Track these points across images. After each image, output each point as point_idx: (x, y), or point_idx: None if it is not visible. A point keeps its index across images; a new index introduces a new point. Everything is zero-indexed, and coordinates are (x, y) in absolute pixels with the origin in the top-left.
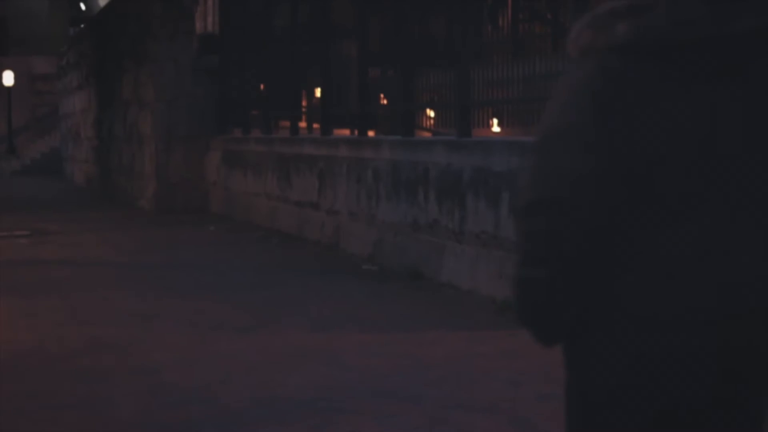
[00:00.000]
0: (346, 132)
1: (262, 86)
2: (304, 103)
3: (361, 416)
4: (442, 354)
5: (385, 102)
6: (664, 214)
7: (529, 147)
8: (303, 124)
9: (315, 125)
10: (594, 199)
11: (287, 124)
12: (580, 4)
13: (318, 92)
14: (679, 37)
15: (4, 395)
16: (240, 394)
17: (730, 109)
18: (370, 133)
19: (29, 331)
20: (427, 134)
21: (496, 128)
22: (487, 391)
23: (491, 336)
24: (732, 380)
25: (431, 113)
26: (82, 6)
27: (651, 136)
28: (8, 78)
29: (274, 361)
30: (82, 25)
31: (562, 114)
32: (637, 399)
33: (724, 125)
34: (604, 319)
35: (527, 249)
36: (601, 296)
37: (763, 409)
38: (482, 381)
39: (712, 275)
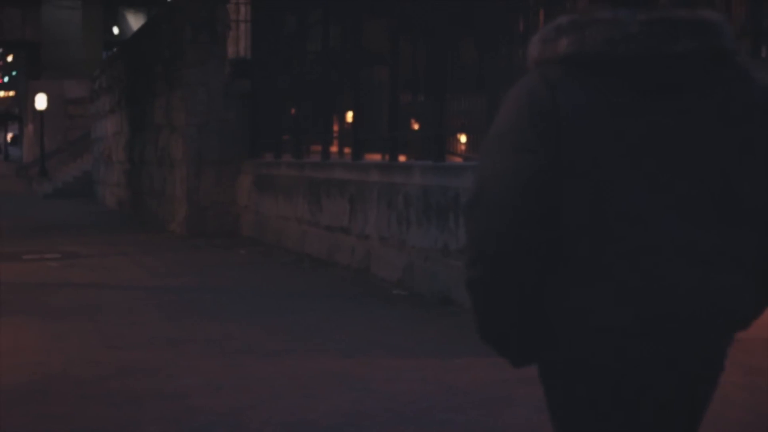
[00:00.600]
0: (377, 157)
1: (293, 111)
2: (335, 128)
3: None
4: (471, 380)
5: (416, 127)
6: (604, 222)
7: None
8: (334, 149)
9: (346, 150)
10: (521, 197)
11: (318, 148)
12: None
13: (349, 116)
14: (614, 53)
15: (33, 418)
16: (268, 419)
17: (668, 124)
18: (401, 158)
19: (59, 353)
20: (458, 159)
21: None
22: (514, 418)
23: None
24: (685, 383)
25: (463, 138)
26: (115, 30)
27: (584, 141)
28: (41, 101)
29: (303, 387)
30: (115, 49)
31: (504, 120)
32: (604, 404)
33: (660, 138)
34: (563, 332)
35: (467, 249)
36: (556, 310)
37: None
38: (509, 407)
39: (654, 283)
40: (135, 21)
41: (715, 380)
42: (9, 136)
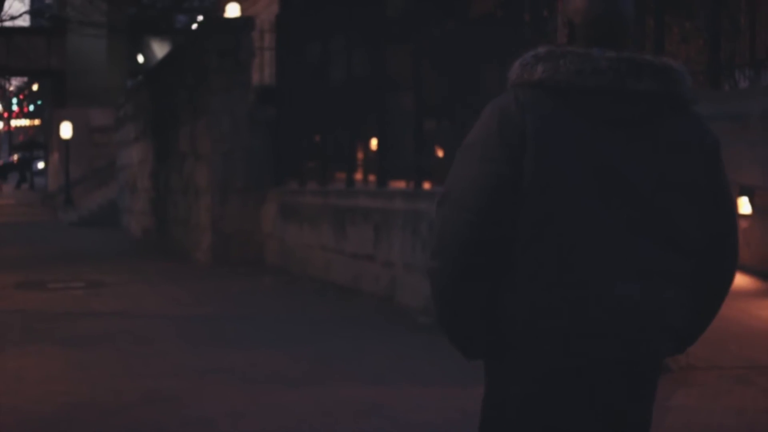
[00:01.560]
0: (402, 184)
1: (317, 138)
2: (359, 155)
3: None
4: None
5: (441, 153)
6: (555, 230)
7: None
8: (359, 176)
9: (371, 177)
10: (481, 201)
11: (343, 175)
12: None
13: (374, 143)
14: (583, 83)
15: None
16: None
17: (622, 153)
18: (426, 185)
19: (83, 383)
20: None
21: None
22: None
23: None
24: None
25: None
26: (140, 58)
27: (545, 158)
28: (66, 130)
29: (327, 415)
30: (140, 77)
31: (476, 130)
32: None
33: (614, 164)
34: (512, 335)
35: (432, 241)
36: (501, 312)
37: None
38: None
39: (593, 293)
40: (160, 49)
41: (650, 385)
42: (40, 164)
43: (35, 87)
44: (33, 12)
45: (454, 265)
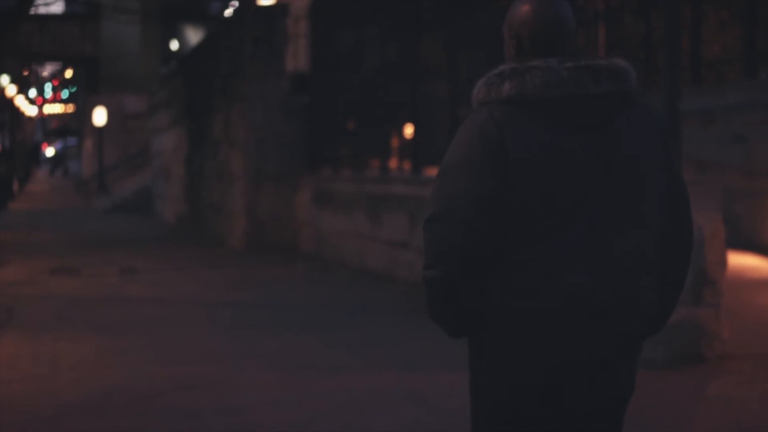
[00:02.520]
0: (437, 171)
1: (351, 125)
2: (394, 142)
3: None
4: None
5: None
6: (540, 231)
7: None
8: (393, 163)
9: (405, 164)
10: (474, 214)
11: (377, 162)
12: (673, 42)
13: (407, 131)
14: (550, 95)
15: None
16: None
17: (594, 152)
18: None
19: (118, 368)
20: None
21: None
22: None
23: None
24: (606, 360)
25: None
26: (174, 45)
27: (527, 169)
28: (100, 116)
29: (362, 402)
30: (174, 64)
31: (458, 149)
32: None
33: (588, 165)
34: (496, 318)
35: (426, 255)
36: (492, 299)
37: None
38: None
39: (576, 274)
40: (194, 36)
41: (628, 369)
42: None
43: (69, 73)
44: None
45: (452, 275)
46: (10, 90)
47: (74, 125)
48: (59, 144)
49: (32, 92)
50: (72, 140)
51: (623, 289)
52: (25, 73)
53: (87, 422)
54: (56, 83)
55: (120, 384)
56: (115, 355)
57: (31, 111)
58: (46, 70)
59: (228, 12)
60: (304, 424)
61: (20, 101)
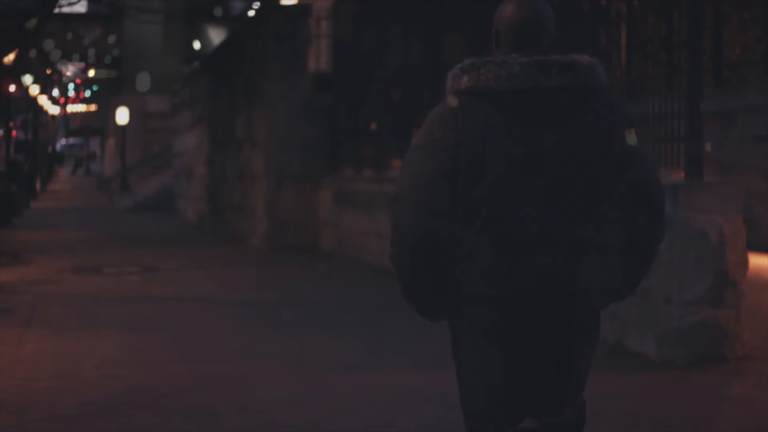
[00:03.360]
0: None
1: (373, 125)
2: None
3: None
4: None
5: None
6: (482, 215)
7: None
8: None
9: None
10: (431, 194)
11: (399, 163)
12: (695, 43)
13: None
14: (500, 87)
15: (115, 429)
16: None
17: (543, 140)
18: None
19: (140, 367)
20: None
21: None
22: None
23: (600, 378)
24: (554, 330)
25: None
26: (196, 45)
27: (477, 150)
28: (123, 115)
29: (383, 400)
30: (196, 64)
31: (420, 135)
32: (480, 365)
33: (537, 151)
34: (453, 298)
35: (392, 233)
36: (451, 282)
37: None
38: (591, 423)
39: (513, 260)
40: (216, 36)
41: (586, 338)
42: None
43: (92, 73)
44: None
45: (411, 251)
46: (33, 89)
47: (97, 124)
48: (69, 141)
49: (55, 92)
50: (79, 140)
51: (552, 275)
52: (48, 72)
53: (109, 420)
54: (79, 82)
55: (142, 382)
56: (137, 353)
57: (53, 110)
58: (69, 70)
59: (251, 12)
60: (325, 423)
61: (43, 100)
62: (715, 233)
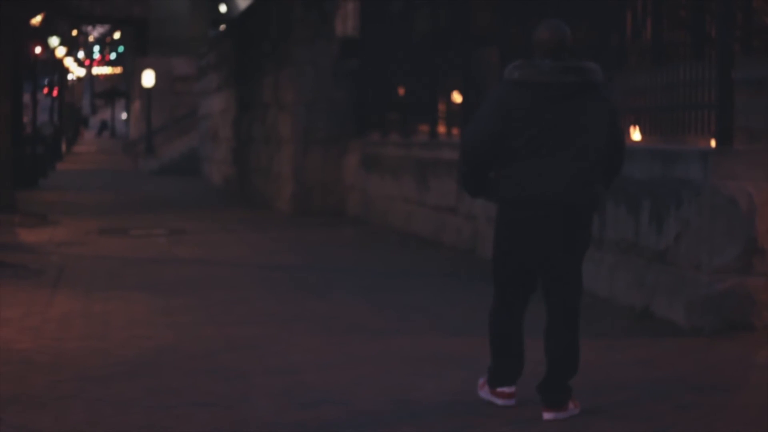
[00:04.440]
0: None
1: (401, 90)
2: (442, 107)
3: (497, 420)
4: (580, 362)
5: None
6: (519, 154)
7: (671, 155)
8: (441, 129)
9: (454, 130)
10: (485, 143)
11: (425, 128)
12: (726, 10)
13: (455, 97)
14: (538, 80)
15: (145, 391)
16: (376, 397)
17: (563, 113)
18: None
19: (168, 328)
20: None
21: (636, 136)
22: (626, 400)
23: (629, 345)
24: (551, 232)
25: None
26: (222, 8)
27: (518, 117)
28: (149, 78)
29: (411, 365)
30: (223, 27)
31: (485, 106)
32: (508, 243)
33: (558, 118)
34: (494, 195)
35: (460, 158)
36: (491, 187)
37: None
38: (619, 390)
39: (536, 182)
40: None
41: (573, 233)
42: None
43: (117, 35)
44: None
45: (470, 169)
46: (60, 51)
47: (122, 87)
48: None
49: (80, 54)
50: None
51: (559, 193)
52: (74, 34)
53: (138, 381)
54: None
55: (170, 344)
56: (165, 315)
57: (79, 72)
58: (94, 32)
59: None
60: (354, 386)
61: (69, 62)
62: (745, 201)
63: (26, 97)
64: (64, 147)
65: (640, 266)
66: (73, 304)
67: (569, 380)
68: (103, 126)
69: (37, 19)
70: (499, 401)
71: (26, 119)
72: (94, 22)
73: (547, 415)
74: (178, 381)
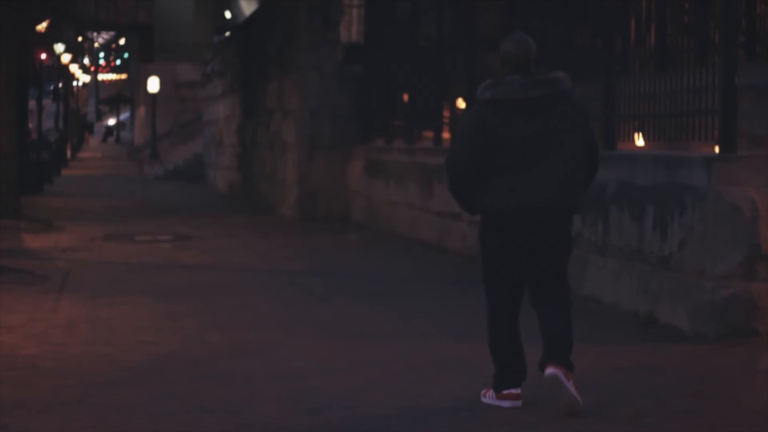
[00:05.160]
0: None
1: (405, 96)
2: (446, 114)
3: (501, 427)
4: (584, 367)
5: None
6: (502, 167)
7: (675, 161)
8: (446, 135)
9: None
10: (471, 159)
11: (430, 134)
12: (730, 16)
13: (460, 103)
14: (508, 98)
15: (151, 396)
16: (381, 402)
17: (539, 125)
18: None
19: (173, 334)
20: None
21: (639, 142)
22: (629, 405)
23: (633, 350)
24: (537, 237)
25: None
26: (227, 14)
27: (497, 134)
28: (154, 84)
29: (415, 370)
30: (227, 33)
31: (463, 127)
32: (497, 250)
33: (535, 130)
34: (480, 210)
35: (447, 178)
36: (480, 200)
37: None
38: (624, 395)
39: (520, 191)
40: (247, 5)
41: (562, 235)
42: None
43: (122, 41)
44: None
45: (457, 186)
46: (65, 57)
47: (127, 93)
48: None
49: (85, 60)
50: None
51: (543, 199)
52: (79, 40)
53: (144, 386)
54: (114, 47)
55: (176, 349)
56: (171, 320)
57: (84, 78)
58: (99, 39)
59: None
60: (359, 392)
61: (74, 68)
62: (749, 207)
63: (31, 103)
64: (69, 153)
65: (644, 272)
66: (78, 310)
67: (569, 354)
68: (108, 132)
69: (42, 26)
70: (506, 403)
71: (31, 125)
72: (99, 29)
73: (550, 370)
74: (184, 386)
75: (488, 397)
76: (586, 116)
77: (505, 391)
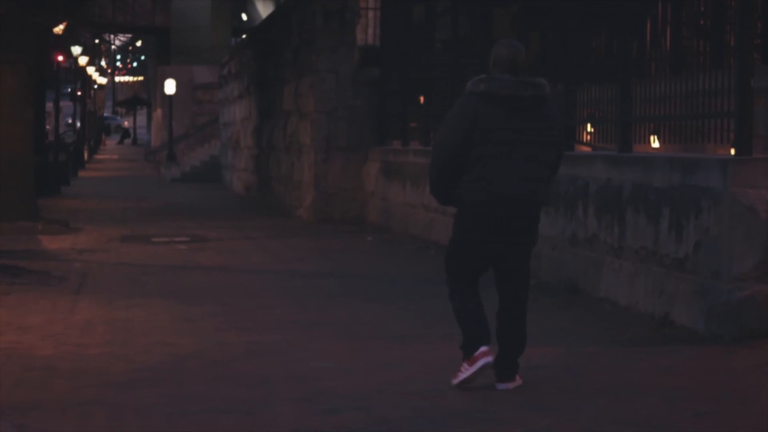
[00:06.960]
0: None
1: (421, 98)
2: None
3: (518, 428)
4: (598, 369)
5: None
6: (484, 159)
7: (691, 163)
8: None
9: None
10: (455, 149)
11: None
12: (746, 19)
13: None
14: (501, 93)
15: (168, 398)
16: (398, 404)
17: (522, 121)
18: None
19: (189, 335)
20: (586, 149)
21: (655, 144)
22: (643, 408)
23: (648, 353)
24: (510, 226)
25: (589, 128)
26: (244, 17)
27: (484, 126)
28: (170, 86)
29: (432, 371)
30: (244, 36)
31: (452, 115)
32: (471, 236)
33: (518, 126)
34: (459, 201)
35: (431, 164)
36: (458, 191)
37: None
38: (638, 397)
39: (500, 182)
40: (264, 8)
41: (532, 225)
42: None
43: (139, 43)
44: None
45: (437, 178)
46: (82, 60)
47: (144, 95)
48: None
49: (102, 62)
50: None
51: (520, 191)
52: (96, 42)
53: (160, 387)
54: (131, 49)
55: (192, 350)
56: (187, 321)
57: (101, 80)
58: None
59: None
60: (376, 393)
61: (91, 71)
62: (764, 208)
63: (49, 106)
64: (86, 155)
65: (660, 274)
66: (96, 311)
67: (518, 358)
68: (125, 134)
69: (59, 28)
70: (479, 362)
71: (49, 127)
72: (116, 31)
73: (500, 386)
74: (200, 387)
75: (461, 375)
76: (559, 120)
77: (476, 353)
